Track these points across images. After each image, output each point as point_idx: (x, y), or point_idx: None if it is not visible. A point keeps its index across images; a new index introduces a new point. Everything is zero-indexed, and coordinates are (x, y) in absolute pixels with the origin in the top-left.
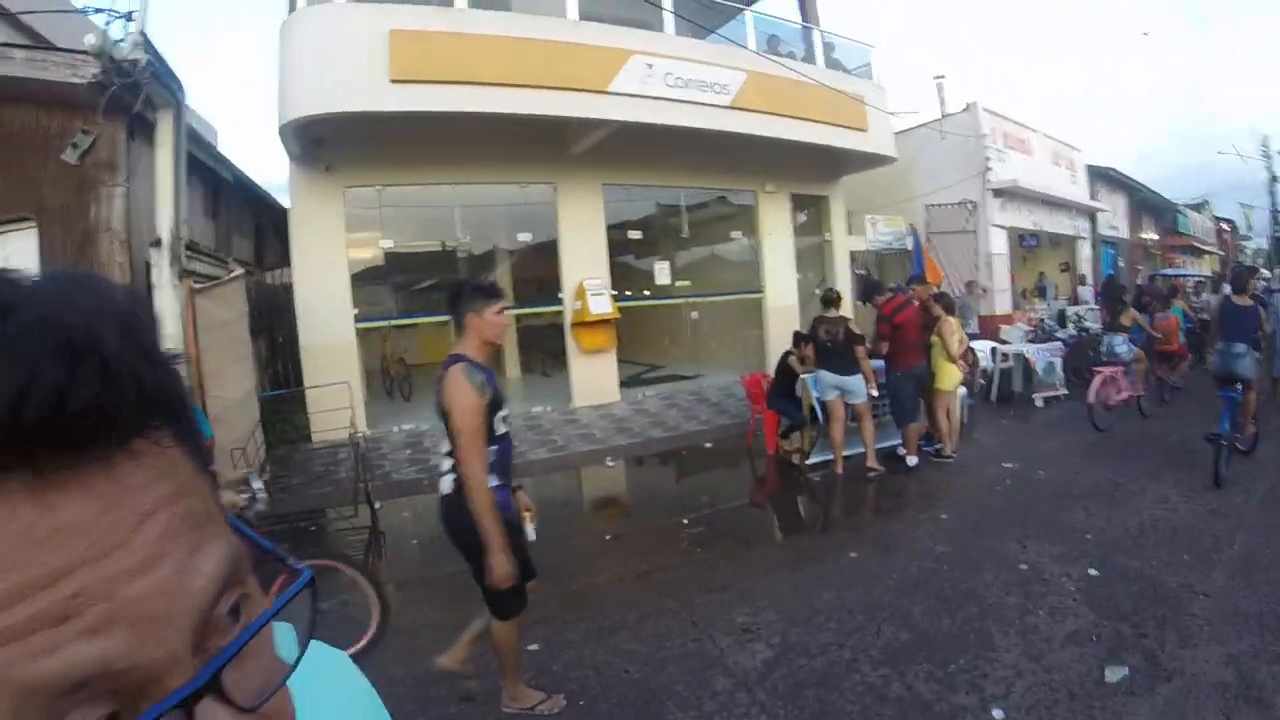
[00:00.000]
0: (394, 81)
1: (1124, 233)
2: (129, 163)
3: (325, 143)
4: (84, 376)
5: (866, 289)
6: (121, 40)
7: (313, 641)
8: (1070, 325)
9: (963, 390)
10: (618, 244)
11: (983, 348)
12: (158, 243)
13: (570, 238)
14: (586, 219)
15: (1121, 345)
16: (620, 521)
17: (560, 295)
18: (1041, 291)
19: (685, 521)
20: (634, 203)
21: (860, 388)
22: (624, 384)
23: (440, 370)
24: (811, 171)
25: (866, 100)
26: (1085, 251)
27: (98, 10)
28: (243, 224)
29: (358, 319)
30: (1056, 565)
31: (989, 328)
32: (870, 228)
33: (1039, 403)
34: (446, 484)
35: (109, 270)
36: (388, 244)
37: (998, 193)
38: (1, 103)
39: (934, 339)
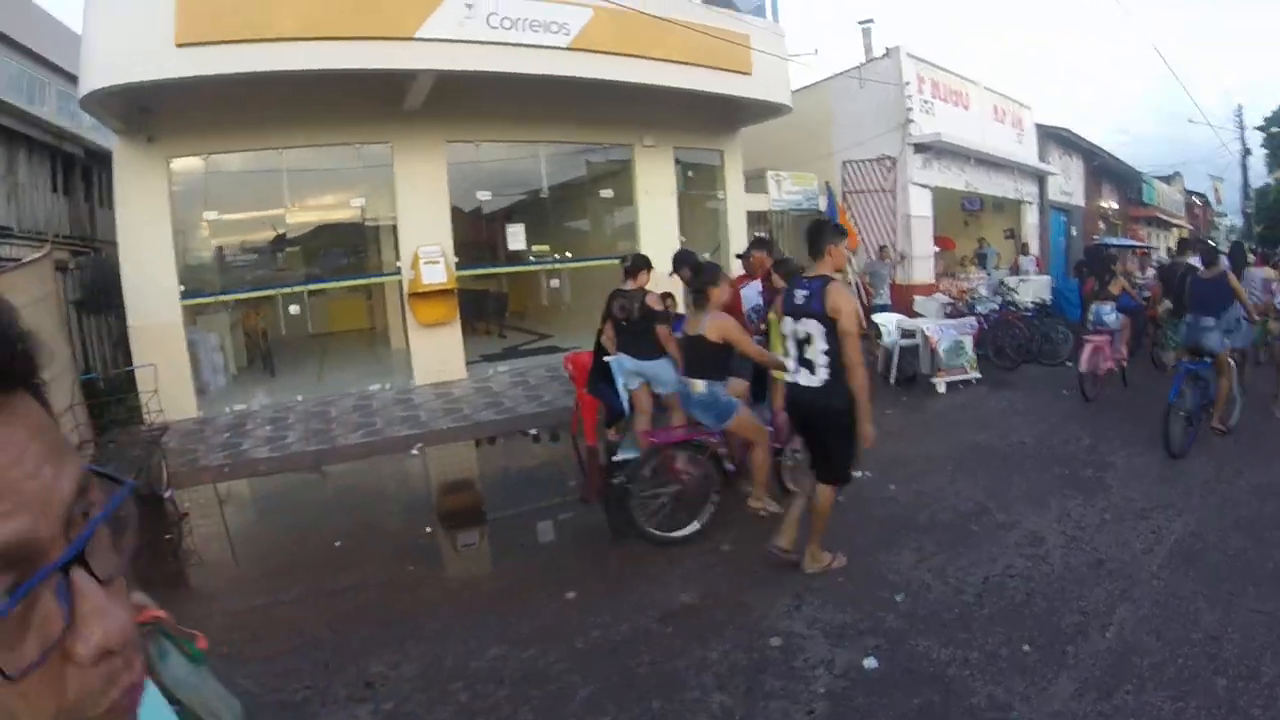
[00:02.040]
0: (180, 45)
1: (1079, 199)
2: None
3: (150, 111)
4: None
5: (675, 258)
6: None
7: None
8: (999, 298)
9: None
10: (467, 207)
11: (887, 321)
12: None
13: (408, 201)
14: (426, 180)
15: (1109, 314)
16: (363, 525)
17: (398, 264)
18: (982, 259)
19: (428, 530)
20: (491, 163)
21: (665, 375)
22: (488, 358)
23: (804, 287)
24: (699, 123)
25: (753, 42)
26: (1031, 217)
27: None
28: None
29: (184, 295)
30: (824, 643)
31: (903, 298)
32: (775, 186)
33: (940, 388)
34: (820, 376)
35: None
36: (212, 215)
37: (919, 148)
38: None
39: (771, 317)
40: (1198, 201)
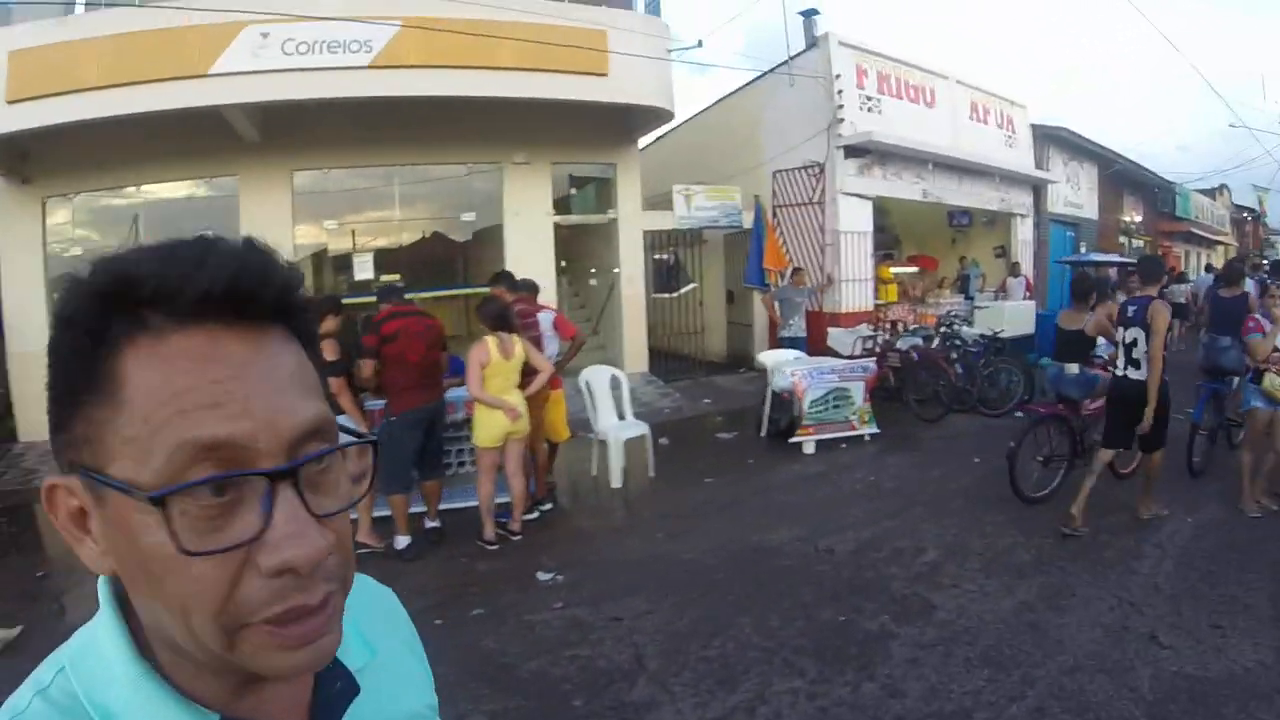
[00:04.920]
0: (10, 102)
1: (1091, 212)
2: None
3: (26, 156)
4: (259, 280)
5: (380, 292)
6: None
7: (366, 578)
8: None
9: (637, 429)
10: (319, 237)
11: (770, 359)
12: None
13: (252, 233)
14: (270, 211)
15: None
16: None
17: None
18: (964, 281)
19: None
20: (343, 191)
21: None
22: None
23: (1135, 303)
24: (583, 135)
25: (614, 38)
26: (1025, 233)
27: None
28: None
29: None
30: None
31: (821, 329)
32: (682, 202)
33: (808, 447)
34: (1142, 371)
35: None
36: (79, 253)
37: (852, 151)
38: None
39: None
40: (1248, 217)
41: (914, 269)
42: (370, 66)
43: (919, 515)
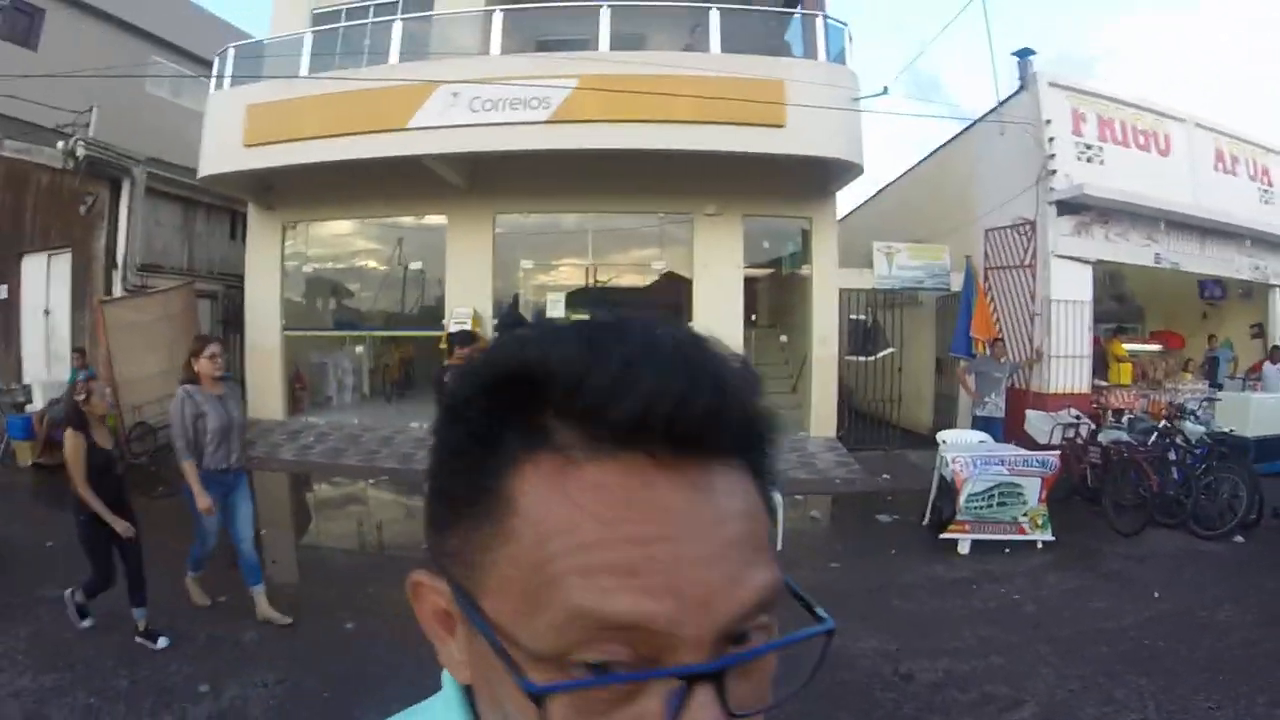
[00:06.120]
0: (247, 146)
1: None
2: (115, 211)
3: (271, 187)
4: (713, 406)
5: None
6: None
7: None
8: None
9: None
10: (514, 275)
11: (948, 440)
12: (115, 266)
13: (456, 267)
14: (473, 250)
15: None
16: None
17: (443, 322)
18: (1212, 365)
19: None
20: (542, 234)
21: None
22: None
23: None
24: (774, 189)
25: (794, 88)
26: None
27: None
28: None
29: (285, 329)
30: None
31: (1022, 411)
32: (883, 261)
33: (963, 547)
34: None
35: (95, 280)
36: (308, 270)
37: (1065, 208)
38: (58, 175)
39: None
40: None
41: (1155, 347)
42: (549, 121)
43: (1042, 655)
